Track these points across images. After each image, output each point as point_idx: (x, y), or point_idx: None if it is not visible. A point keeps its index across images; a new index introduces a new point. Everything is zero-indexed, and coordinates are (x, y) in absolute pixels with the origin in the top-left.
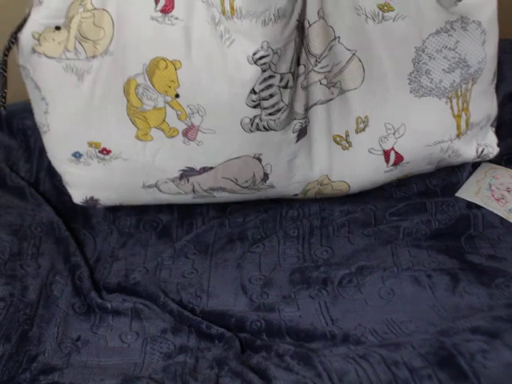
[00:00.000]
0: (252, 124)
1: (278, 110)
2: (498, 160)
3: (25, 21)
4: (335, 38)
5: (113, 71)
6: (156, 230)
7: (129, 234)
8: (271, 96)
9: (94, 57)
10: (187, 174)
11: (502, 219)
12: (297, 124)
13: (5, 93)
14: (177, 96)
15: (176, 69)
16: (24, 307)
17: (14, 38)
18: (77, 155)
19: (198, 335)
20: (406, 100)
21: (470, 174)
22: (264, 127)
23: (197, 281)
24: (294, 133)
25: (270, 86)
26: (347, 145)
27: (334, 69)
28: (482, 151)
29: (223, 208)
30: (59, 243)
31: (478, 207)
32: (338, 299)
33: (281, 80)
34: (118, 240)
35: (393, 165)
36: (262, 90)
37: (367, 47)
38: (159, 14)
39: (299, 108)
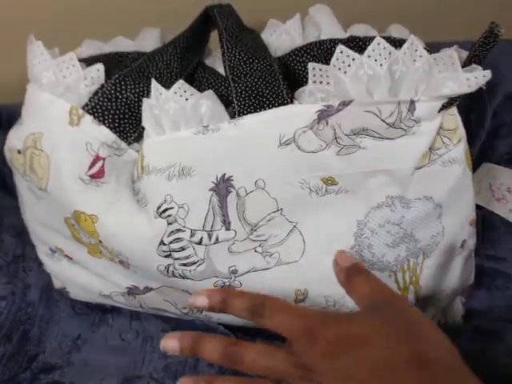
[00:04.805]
0: (167, 271)
1: (193, 263)
2: (498, 160)
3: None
4: (278, 210)
5: (53, 205)
6: None
7: None
8: (182, 249)
9: (40, 189)
10: (133, 291)
11: (502, 219)
12: (219, 281)
13: None
14: (100, 241)
15: (93, 222)
16: (26, 306)
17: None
18: (52, 251)
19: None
20: None
21: None
22: (180, 275)
23: None
24: (215, 286)
25: (179, 239)
26: None
27: (272, 239)
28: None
29: None
30: None
31: (478, 207)
32: None
33: (192, 235)
34: None
35: None
36: (171, 242)
37: (309, 220)
38: (88, 177)
39: (223, 269)
